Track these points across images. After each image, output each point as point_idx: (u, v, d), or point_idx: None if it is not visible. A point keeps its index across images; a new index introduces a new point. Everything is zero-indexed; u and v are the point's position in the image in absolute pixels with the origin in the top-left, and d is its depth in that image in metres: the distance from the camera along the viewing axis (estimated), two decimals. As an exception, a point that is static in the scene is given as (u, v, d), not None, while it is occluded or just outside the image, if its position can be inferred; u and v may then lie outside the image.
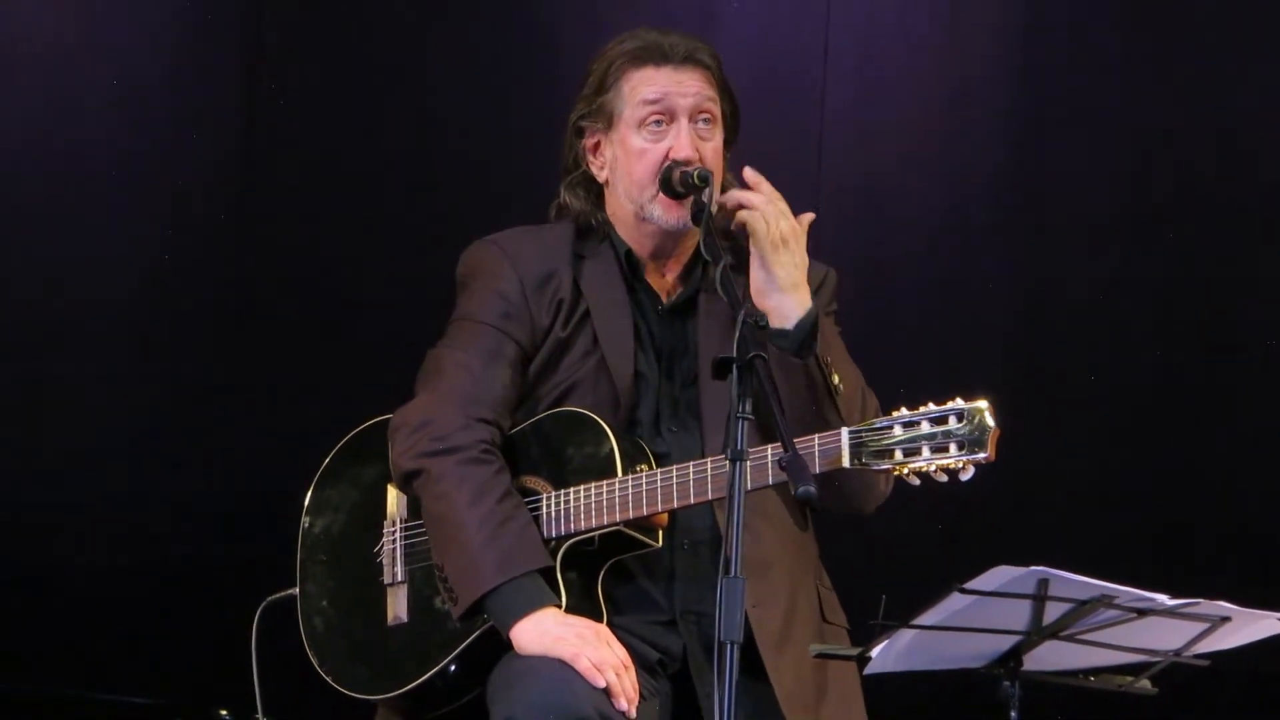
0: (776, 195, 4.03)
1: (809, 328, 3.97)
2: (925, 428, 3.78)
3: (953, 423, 3.77)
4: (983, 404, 3.77)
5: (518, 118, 5.58)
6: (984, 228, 5.71)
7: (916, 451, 3.78)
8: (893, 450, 3.79)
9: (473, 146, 5.84)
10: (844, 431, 3.83)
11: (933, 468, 3.77)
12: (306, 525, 4.25)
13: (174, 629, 5.67)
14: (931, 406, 3.79)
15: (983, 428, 3.75)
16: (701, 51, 4.14)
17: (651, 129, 4.09)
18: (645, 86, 4.10)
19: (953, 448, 3.76)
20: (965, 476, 3.78)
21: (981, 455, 3.75)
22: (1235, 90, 5.57)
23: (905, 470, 3.79)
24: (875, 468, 3.81)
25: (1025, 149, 5.71)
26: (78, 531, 5.71)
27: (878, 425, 3.81)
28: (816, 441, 3.83)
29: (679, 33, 4.16)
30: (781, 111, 5.75)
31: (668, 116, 4.09)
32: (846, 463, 3.81)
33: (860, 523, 4.11)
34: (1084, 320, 5.66)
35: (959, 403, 3.78)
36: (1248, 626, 3.58)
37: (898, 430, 3.80)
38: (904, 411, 3.80)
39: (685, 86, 4.10)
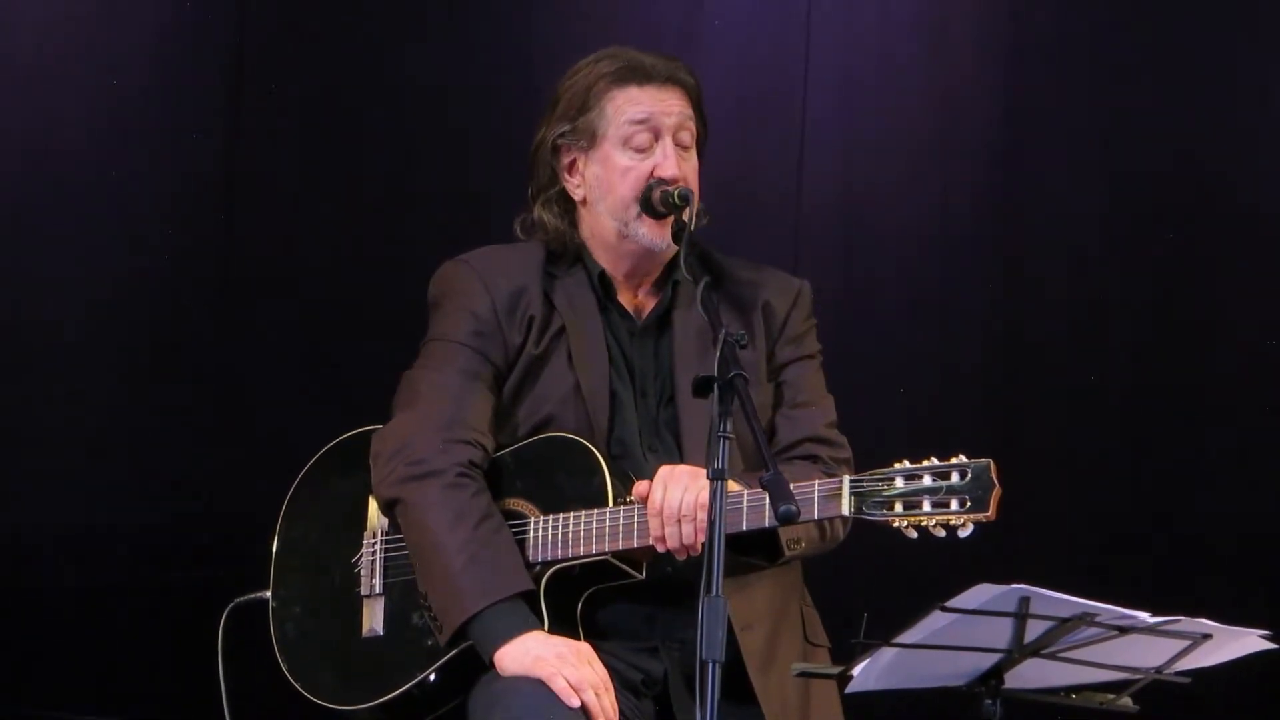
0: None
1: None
2: (927, 481, 3.71)
3: (955, 478, 3.70)
4: (987, 461, 3.70)
5: (499, 134, 5.57)
6: (965, 245, 5.72)
7: (917, 505, 3.71)
8: (893, 502, 3.73)
9: (454, 163, 5.83)
10: (846, 479, 3.79)
11: (932, 523, 3.71)
12: (282, 531, 4.23)
13: (144, 648, 5.65)
14: (934, 460, 3.73)
15: (986, 486, 3.68)
16: (682, 71, 4.15)
17: (636, 148, 4.09)
18: (631, 106, 4.10)
19: (954, 504, 3.69)
20: (964, 534, 3.71)
21: (982, 515, 3.68)
22: (1218, 111, 5.58)
23: (905, 523, 3.73)
24: (874, 518, 3.75)
25: (1007, 167, 5.72)
26: (37, 550, 5.67)
27: (879, 475, 3.76)
28: (817, 487, 3.79)
29: (655, 52, 4.17)
30: (762, 129, 5.76)
31: (652, 135, 4.10)
32: (846, 511, 3.76)
33: (841, 541, 4.10)
34: (1065, 338, 5.67)
35: (963, 459, 3.72)
36: (1229, 644, 3.58)
37: (899, 482, 3.73)
38: (906, 464, 3.74)
39: (669, 105, 4.11)
